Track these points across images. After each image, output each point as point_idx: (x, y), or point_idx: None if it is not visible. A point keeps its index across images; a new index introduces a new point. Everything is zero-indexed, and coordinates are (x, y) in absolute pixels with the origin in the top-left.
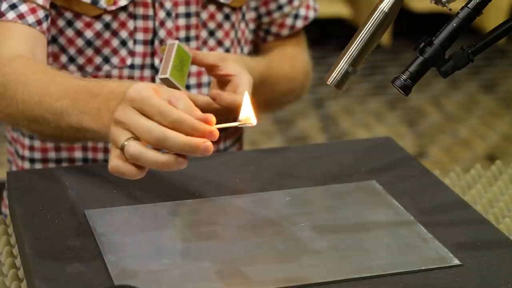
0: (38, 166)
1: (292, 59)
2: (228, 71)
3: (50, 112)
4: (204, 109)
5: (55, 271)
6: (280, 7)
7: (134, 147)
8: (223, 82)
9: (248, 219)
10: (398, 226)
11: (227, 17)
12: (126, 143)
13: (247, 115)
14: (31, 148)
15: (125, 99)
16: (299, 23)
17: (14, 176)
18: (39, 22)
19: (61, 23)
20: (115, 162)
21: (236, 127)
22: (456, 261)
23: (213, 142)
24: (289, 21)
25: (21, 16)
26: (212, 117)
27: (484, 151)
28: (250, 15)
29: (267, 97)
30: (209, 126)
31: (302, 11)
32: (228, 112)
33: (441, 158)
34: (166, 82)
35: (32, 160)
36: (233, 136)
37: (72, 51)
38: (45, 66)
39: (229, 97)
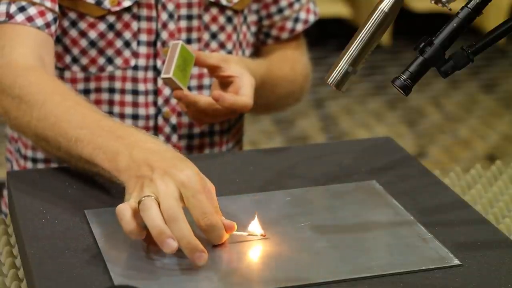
0: (40, 165)
1: (292, 62)
2: (230, 73)
3: (64, 137)
4: (206, 109)
5: (55, 271)
6: (280, 10)
7: (150, 201)
8: (225, 83)
9: (248, 219)
10: (398, 226)
11: (229, 19)
12: (145, 198)
13: (256, 229)
14: (34, 148)
15: (175, 179)
16: (299, 27)
17: (14, 175)
18: (47, 25)
19: (65, 23)
20: (124, 206)
21: (238, 129)
22: (456, 261)
23: (215, 145)
24: (289, 24)
25: (30, 19)
26: (235, 226)
27: (484, 151)
28: (252, 17)
29: (267, 99)
30: (226, 238)
31: (302, 15)
32: (229, 113)
33: (441, 158)
34: (169, 81)
35: (34, 160)
36: (234, 138)
37: (75, 51)
38: (62, 85)
39: (231, 99)
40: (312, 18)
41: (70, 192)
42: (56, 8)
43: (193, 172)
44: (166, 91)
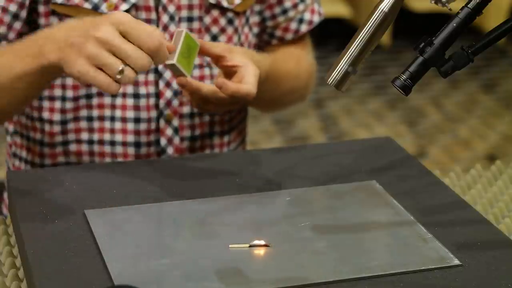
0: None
1: (297, 58)
2: (235, 62)
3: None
4: (210, 97)
5: (55, 271)
6: (284, 11)
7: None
8: (229, 73)
9: (248, 219)
10: (398, 226)
11: (230, 21)
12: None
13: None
14: (28, 149)
15: (111, 21)
16: (304, 28)
17: (14, 175)
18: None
19: None
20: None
21: (241, 130)
22: (456, 261)
23: (217, 147)
24: (293, 25)
25: None
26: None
27: (484, 151)
28: (254, 19)
29: (271, 94)
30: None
31: (307, 16)
32: (233, 101)
33: (441, 158)
34: (173, 68)
35: (26, 161)
36: (236, 140)
37: None
38: None
39: (234, 86)
40: (316, 19)
41: (70, 192)
42: (14, 8)
43: (124, 13)
44: (168, 93)
